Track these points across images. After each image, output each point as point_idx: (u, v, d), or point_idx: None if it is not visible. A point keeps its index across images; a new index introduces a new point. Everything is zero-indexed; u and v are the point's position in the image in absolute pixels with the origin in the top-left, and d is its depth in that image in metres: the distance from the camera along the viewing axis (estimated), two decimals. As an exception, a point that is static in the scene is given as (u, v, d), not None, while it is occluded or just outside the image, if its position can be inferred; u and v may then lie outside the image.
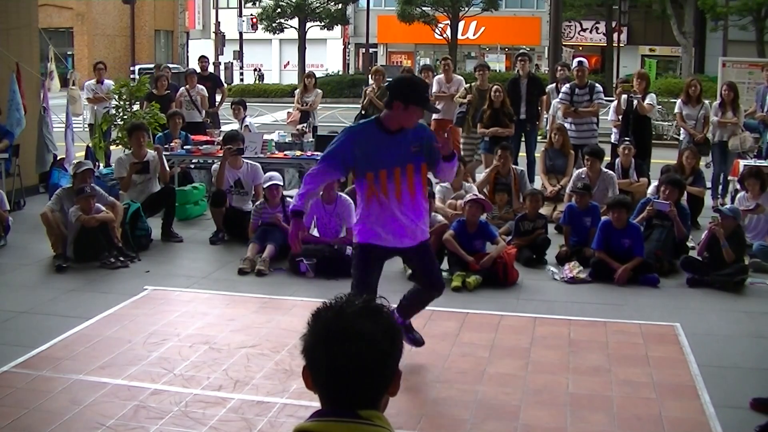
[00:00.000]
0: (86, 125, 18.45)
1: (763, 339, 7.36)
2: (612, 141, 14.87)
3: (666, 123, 24.28)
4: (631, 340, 7.97)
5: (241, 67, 54.25)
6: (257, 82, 51.44)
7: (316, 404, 2.26)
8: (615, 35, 43.69)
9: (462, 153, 14.84)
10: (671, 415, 6.28)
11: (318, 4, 47.98)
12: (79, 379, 6.79)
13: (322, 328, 2.23)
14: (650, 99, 14.36)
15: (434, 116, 16.42)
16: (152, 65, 30.86)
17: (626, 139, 13.57)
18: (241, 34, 53.05)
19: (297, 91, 18.44)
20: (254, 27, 52.96)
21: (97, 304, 8.83)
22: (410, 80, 6.63)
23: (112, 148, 16.10)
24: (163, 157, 12.41)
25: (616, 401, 6.53)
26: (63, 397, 6.45)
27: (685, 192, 11.85)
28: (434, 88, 16.56)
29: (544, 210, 11.96)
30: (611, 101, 15.26)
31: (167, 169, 12.45)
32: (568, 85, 14.93)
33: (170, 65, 23.58)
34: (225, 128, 17.11)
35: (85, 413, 6.15)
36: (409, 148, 6.28)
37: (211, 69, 22.04)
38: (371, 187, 6.29)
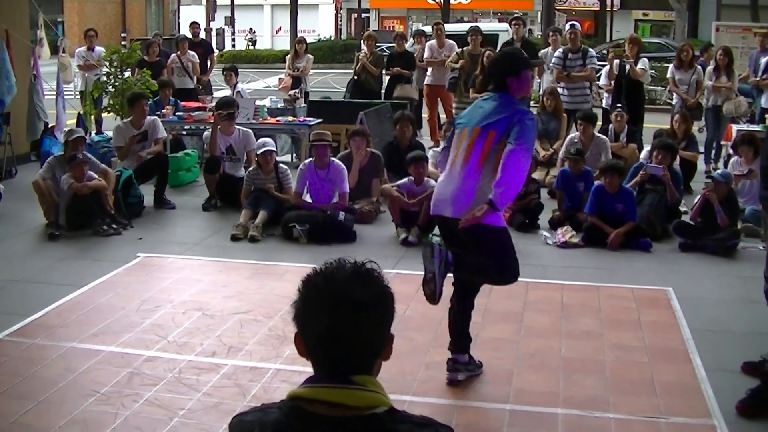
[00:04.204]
0: (77, 93, 18.36)
1: (754, 303, 7.38)
2: (604, 106, 14.85)
3: (659, 88, 24.23)
4: (624, 304, 8.00)
5: (233, 33, 53.94)
6: (249, 47, 51.16)
7: (310, 369, 2.25)
8: (608, -1, 43.57)
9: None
10: (663, 378, 6.32)
11: (310, -31, 47.65)
12: (73, 347, 6.80)
13: (313, 295, 2.21)
14: (642, 64, 14.33)
15: (426, 82, 16.41)
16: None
17: (618, 105, 13.56)
18: (232, -1, 52.76)
19: (288, 57, 18.38)
20: (246, -8, 52.66)
21: (90, 271, 8.83)
22: (506, 53, 6.69)
23: (104, 115, 16.07)
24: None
25: (609, 365, 6.56)
26: (57, 364, 6.46)
27: (678, 156, 11.85)
28: (426, 54, 16.52)
29: (537, 175, 11.96)
30: (604, 66, 15.22)
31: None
32: (561, 49, 14.89)
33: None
34: (217, 95, 17.05)
35: (80, 380, 6.17)
36: None
37: (202, 35, 21.91)
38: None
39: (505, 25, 28.46)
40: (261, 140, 11.39)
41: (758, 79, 14.48)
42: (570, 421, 5.68)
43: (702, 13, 41.64)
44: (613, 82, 14.29)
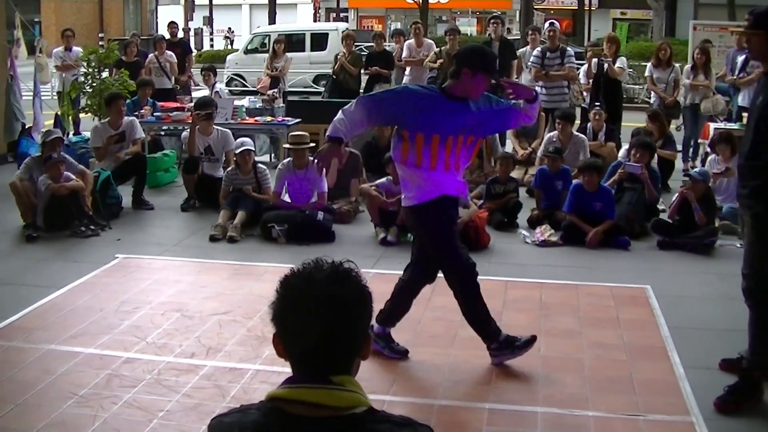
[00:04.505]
0: (54, 93, 18.29)
1: (732, 300, 7.41)
2: (583, 105, 14.90)
3: (637, 86, 24.33)
4: (603, 302, 8.02)
5: (211, 33, 53.82)
6: (227, 47, 51.06)
7: (289, 370, 2.25)
8: (586, -2, 43.66)
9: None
10: (642, 376, 6.34)
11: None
12: (52, 349, 6.76)
13: (292, 295, 2.22)
14: (621, 62, 14.40)
15: (404, 81, 16.41)
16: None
17: (597, 104, 13.60)
18: (210, -1, 52.66)
19: (267, 57, 18.37)
20: (224, -8, 52.57)
21: (68, 273, 8.79)
22: (480, 48, 6.54)
23: (82, 116, 16.01)
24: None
25: (588, 363, 6.58)
26: (35, 367, 6.43)
27: (656, 155, 11.91)
28: (404, 53, 16.53)
29: (515, 173, 11.98)
30: (582, 65, 15.27)
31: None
32: (539, 48, 14.92)
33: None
34: (195, 95, 17.01)
35: (58, 383, 6.13)
36: (468, 120, 6.12)
37: (180, 35, 21.87)
38: (421, 150, 6.06)
39: (335, 24, 28.56)
40: (239, 140, 11.37)
41: (735, 77, 14.55)
42: (549, 419, 5.69)
43: (679, 11, 41.79)
44: (591, 80, 14.35)
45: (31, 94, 15.21)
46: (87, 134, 13.79)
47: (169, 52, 17.15)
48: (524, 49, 16.15)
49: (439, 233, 6.26)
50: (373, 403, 2.21)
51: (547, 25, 15.69)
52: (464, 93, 6.10)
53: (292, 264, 2.29)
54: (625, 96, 17.54)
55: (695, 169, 11.24)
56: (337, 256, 2.28)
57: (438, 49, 15.86)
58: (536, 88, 14.12)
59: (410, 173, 6.18)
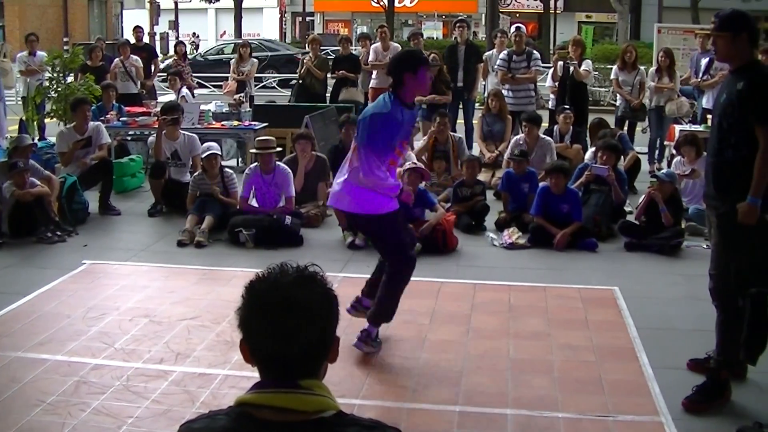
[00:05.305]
0: (19, 98, 18.16)
1: (699, 301, 7.46)
2: (549, 107, 14.97)
3: (603, 89, 24.48)
4: (571, 304, 8.05)
5: (177, 37, 53.61)
6: (192, 52, 50.90)
7: (258, 375, 2.25)
8: (552, 2, 43.82)
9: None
10: (611, 377, 6.37)
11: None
12: (18, 356, 6.71)
13: (258, 300, 2.21)
14: (586, 65, 14.48)
15: (371, 85, 16.41)
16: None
17: (566, 107, 13.65)
18: (176, 3, 52.37)
19: (233, 61, 18.34)
20: (190, -4, 52.38)
21: (34, 279, 8.72)
22: (406, 52, 7.13)
23: (47, 121, 15.90)
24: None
25: (557, 365, 6.60)
26: (2, 374, 6.36)
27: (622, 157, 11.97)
28: (371, 57, 16.54)
29: (482, 176, 12.00)
30: (549, 68, 15.34)
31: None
32: (505, 51, 14.99)
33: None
34: (161, 99, 16.94)
35: (25, 390, 6.08)
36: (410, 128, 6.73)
37: (146, 39, 21.78)
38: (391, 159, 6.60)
39: None
40: (206, 144, 11.34)
41: (699, 80, 14.66)
42: (519, 421, 5.70)
43: (644, 15, 42.11)
44: (557, 83, 14.42)
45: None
46: (52, 139, 13.71)
47: (135, 57, 17.06)
48: (490, 52, 16.22)
49: None
50: (342, 407, 2.20)
51: (513, 29, 15.75)
52: (415, 94, 6.65)
53: (260, 268, 2.29)
54: (590, 99, 17.64)
55: (662, 171, 11.30)
56: (305, 260, 2.28)
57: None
58: (503, 90, 14.33)
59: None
